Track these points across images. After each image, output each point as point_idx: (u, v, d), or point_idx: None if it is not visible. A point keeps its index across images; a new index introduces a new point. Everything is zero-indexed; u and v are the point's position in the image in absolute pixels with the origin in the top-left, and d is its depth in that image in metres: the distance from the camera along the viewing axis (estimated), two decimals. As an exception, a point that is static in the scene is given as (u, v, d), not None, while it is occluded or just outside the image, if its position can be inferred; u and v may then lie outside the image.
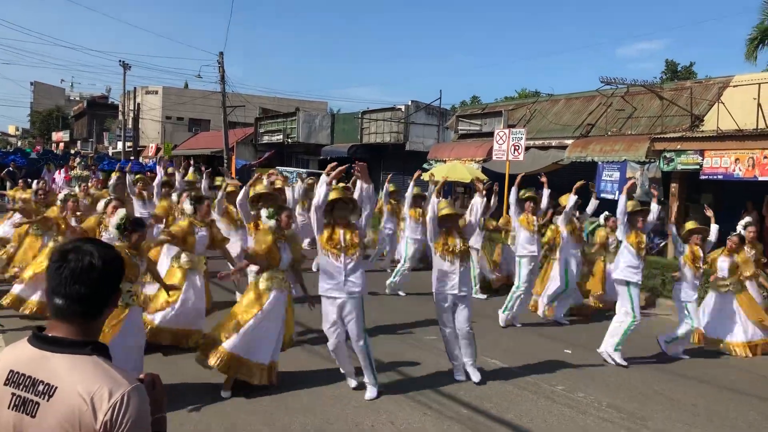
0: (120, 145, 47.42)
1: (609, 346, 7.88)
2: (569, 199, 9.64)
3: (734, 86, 15.61)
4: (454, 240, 6.72)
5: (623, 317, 7.87)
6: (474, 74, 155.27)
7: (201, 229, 7.70)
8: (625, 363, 7.74)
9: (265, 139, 36.34)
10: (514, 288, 9.52)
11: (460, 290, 6.70)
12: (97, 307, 1.87)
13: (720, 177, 14.26)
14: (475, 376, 6.76)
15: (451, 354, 6.90)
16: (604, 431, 5.70)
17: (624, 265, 7.95)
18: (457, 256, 6.66)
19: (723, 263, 8.68)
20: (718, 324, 8.72)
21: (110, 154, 47.61)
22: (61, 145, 68.79)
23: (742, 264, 8.70)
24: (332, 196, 5.97)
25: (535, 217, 9.70)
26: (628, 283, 7.88)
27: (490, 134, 19.09)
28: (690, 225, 8.46)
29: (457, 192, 19.83)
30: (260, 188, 8.56)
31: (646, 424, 5.92)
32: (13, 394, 1.77)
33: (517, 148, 15.97)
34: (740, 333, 8.58)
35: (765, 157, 13.21)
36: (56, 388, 1.74)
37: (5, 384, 1.78)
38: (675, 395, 6.81)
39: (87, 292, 1.83)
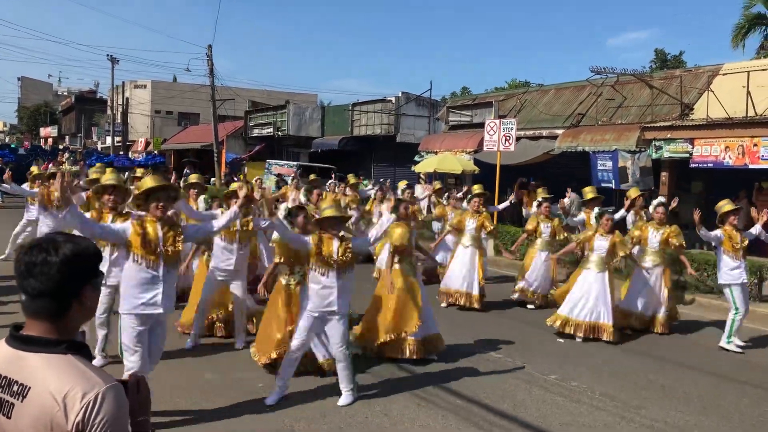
0: (109, 140, 47.12)
1: (722, 340, 8.22)
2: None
3: (723, 74, 15.65)
4: (330, 249, 5.64)
5: (731, 313, 8.16)
6: (464, 65, 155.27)
7: None
8: (739, 350, 8.09)
9: (256, 132, 36.22)
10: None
11: (340, 307, 5.70)
12: (59, 303, 1.78)
13: (710, 165, 14.31)
14: (346, 399, 5.81)
15: (285, 372, 5.80)
16: (597, 420, 5.72)
17: (725, 269, 8.12)
18: (333, 266, 5.64)
19: (602, 242, 8.42)
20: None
21: (99, 149, 47.38)
22: (50, 140, 68.31)
23: (618, 244, 8.46)
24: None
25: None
26: (729, 285, 8.12)
27: (481, 125, 19.06)
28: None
29: (448, 183, 19.79)
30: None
31: (639, 412, 5.94)
32: None
33: (508, 138, 15.97)
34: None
35: (755, 145, 13.27)
36: (29, 388, 1.70)
37: None
38: (668, 383, 6.83)
39: (42, 288, 1.75)
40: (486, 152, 18.11)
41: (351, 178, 15.93)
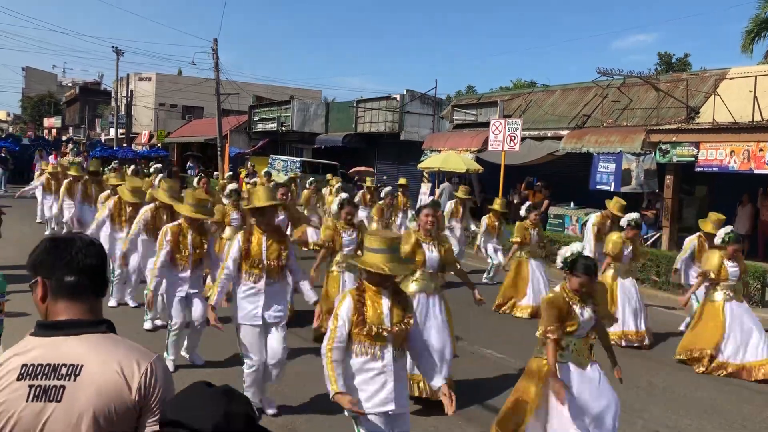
0: (113, 131, 47.10)
1: None
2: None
3: (730, 78, 15.60)
4: (260, 248, 5.21)
5: None
6: (469, 64, 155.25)
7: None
8: None
9: (259, 127, 36.20)
10: None
11: (275, 312, 5.33)
12: (104, 282, 1.96)
13: (715, 169, 14.28)
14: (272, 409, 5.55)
15: (260, 388, 5.45)
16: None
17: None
18: (264, 270, 5.21)
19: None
20: None
21: (103, 140, 47.34)
22: (53, 131, 68.34)
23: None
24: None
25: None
26: None
27: (486, 124, 19.02)
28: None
29: (453, 182, 19.75)
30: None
31: (642, 416, 5.94)
32: (31, 386, 1.74)
33: (513, 138, 15.93)
34: None
35: (760, 150, 13.23)
36: (81, 366, 1.76)
37: (19, 379, 1.75)
38: (669, 386, 6.82)
39: (98, 264, 1.92)
40: (490, 152, 18.09)
41: (368, 182, 16.15)
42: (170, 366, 6.13)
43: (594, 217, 10.29)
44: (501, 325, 9.17)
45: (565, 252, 4.55)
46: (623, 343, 8.17)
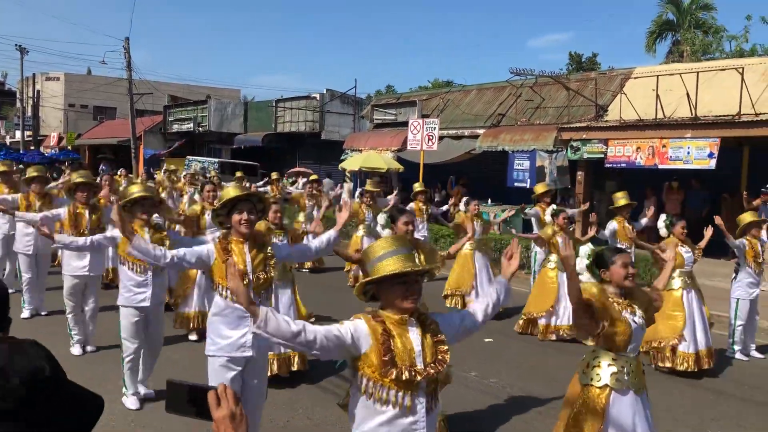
0: (18, 134, 44.86)
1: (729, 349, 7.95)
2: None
3: (635, 78, 16.33)
4: (243, 260, 4.32)
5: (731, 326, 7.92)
6: (387, 64, 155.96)
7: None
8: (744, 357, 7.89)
9: (175, 127, 35.28)
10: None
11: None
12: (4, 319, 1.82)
13: (623, 165, 14.90)
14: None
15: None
16: (515, 413, 5.84)
17: (742, 282, 7.81)
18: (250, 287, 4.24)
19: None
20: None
21: (8, 143, 44.99)
22: (-47, 134, 64.44)
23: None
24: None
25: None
26: (738, 299, 7.83)
27: (405, 124, 19.19)
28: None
29: (374, 181, 19.80)
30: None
31: (558, 406, 6.10)
32: None
33: (431, 137, 16.13)
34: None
35: (663, 146, 13.89)
36: None
37: None
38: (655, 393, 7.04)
39: None
40: (409, 151, 18.27)
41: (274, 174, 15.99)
42: (134, 403, 5.66)
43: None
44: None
45: (582, 258, 3.92)
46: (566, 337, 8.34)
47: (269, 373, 5.87)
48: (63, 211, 7.18)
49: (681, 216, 9.52)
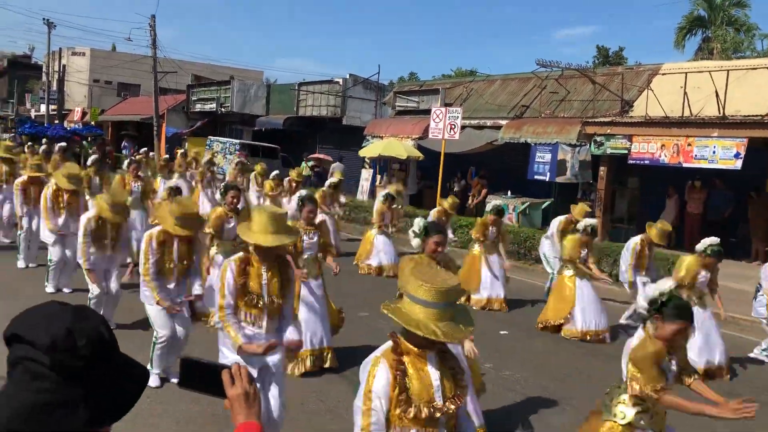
0: (43, 107, 45.25)
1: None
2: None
3: (663, 74, 16.11)
4: (260, 282, 4.36)
5: None
6: (412, 51, 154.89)
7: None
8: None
9: (198, 107, 35.39)
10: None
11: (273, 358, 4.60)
12: None
13: (647, 162, 14.73)
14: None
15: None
16: (528, 407, 5.84)
17: None
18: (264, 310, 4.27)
19: None
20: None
21: (33, 116, 45.48)
22: (-21, 105, 65.17)
23: None
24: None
25: None
26: None
27: (427, 111, 19.09)
28: None
29: (393, 168, 19.84)
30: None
31: (571, 402, 6.10)
32: None
33: (453, 127, 16.04)
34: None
35: (689, 145, 13.71)
36: None
37: None
38: (597, 375, 7.02)
39: None
40: (431, 139, 18.20)
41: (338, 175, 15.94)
42: (155, 381, 5.71)
43: (559, 221, 10.24)
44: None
45: (653, 292, 3.57)
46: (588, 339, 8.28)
47: (303, 369, 6.15)
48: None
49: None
